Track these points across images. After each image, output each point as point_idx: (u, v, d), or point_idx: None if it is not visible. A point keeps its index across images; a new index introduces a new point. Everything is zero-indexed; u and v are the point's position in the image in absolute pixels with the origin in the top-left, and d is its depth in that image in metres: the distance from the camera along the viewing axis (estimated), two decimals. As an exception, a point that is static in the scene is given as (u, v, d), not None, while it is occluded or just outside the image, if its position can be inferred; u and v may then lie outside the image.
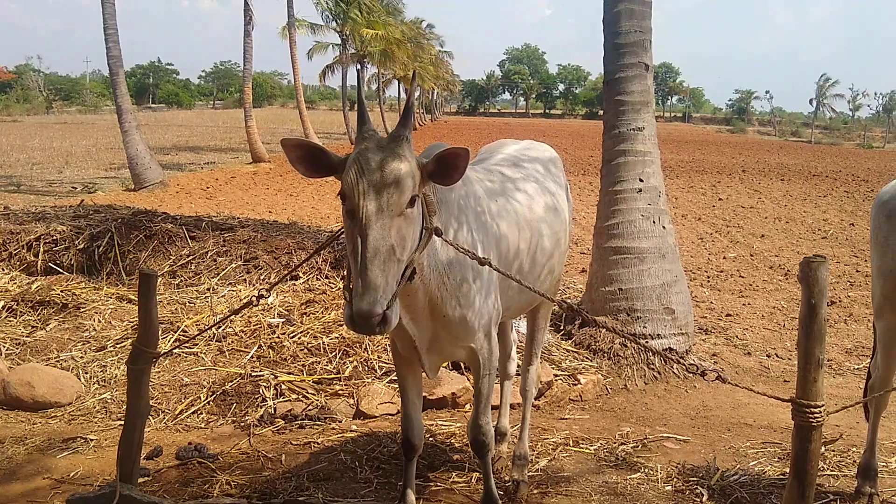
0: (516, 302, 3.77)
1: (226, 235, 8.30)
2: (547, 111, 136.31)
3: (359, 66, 50.99)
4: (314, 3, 40.73)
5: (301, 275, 7.73)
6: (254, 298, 3.33)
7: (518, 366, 4.69)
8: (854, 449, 4.92)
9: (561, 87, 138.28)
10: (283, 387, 5.56)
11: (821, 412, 2.75)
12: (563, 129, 73.64)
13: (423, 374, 3.53)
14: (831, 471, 4.64)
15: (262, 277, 7.72)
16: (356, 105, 2.78)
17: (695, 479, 4.34)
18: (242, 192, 19.90)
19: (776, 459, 4.75)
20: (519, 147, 4.28)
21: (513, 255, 3.51)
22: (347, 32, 44.04)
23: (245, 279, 7.64)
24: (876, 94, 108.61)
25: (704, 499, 4.09)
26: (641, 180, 6.79)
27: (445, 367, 5.90)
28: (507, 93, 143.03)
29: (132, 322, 6.40)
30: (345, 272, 3.18)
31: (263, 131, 30.12)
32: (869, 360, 4.42)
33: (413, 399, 3.58)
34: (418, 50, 60.58)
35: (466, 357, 3.48)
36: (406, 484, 3.64)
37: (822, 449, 4.89)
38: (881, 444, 5.07)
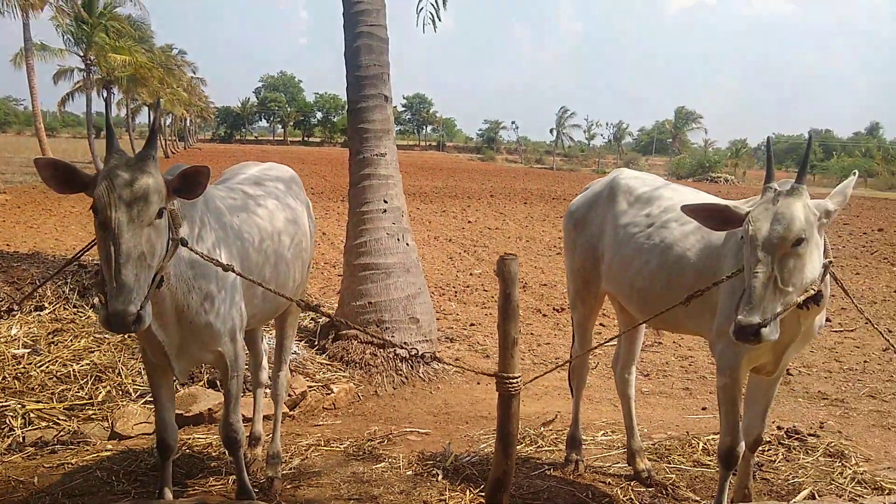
0: (261, 310, 4.11)
1: (-41, 267, 7.86)
2: (305, 139, 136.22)
3: (105, 93, 48.50)
4: (54, 25, 38.17)
5: (47, 305, 7.52)
6: (14, 306, 3.43)
7: (269, 374, 4.99)
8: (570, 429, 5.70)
9: (319, 114, 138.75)
10: (32, 415, 5.46)
11: (517, 382, 3.36)
12: (322, 156, 74.08)
13: (175, 382, 3.76)
14: (549, 447, 5.37)
15: (3, 309, 7.41)
16: (105, 128, 3.03)
17: (432, 462, 4.88)
18: (-26, 224, 18.38)
19: (503, 442, 5.42)
20: (261, 168, 4.65)
21: (255, 264, 3.86)
22: (92, 57, 41.77)
23: (-16, 312, 7.29)
24: (607, 123, 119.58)
25: (440, 478, 4.63)
26: (386, 201, 7.36)
27: (200, 385, 6.08)
28: (263, 120, 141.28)
29: None
30: (98, 280, 3.36)
31: (-3, 160, 27.77)
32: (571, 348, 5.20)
33: (165, 403, 3.80)
34: (169, 76, 58.59)
35: (214, 361, 3.75)
36: (163, 482, 3.84)
37: (542, 429, 5.67)
38: (593, 422, 5.95)
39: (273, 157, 54.56)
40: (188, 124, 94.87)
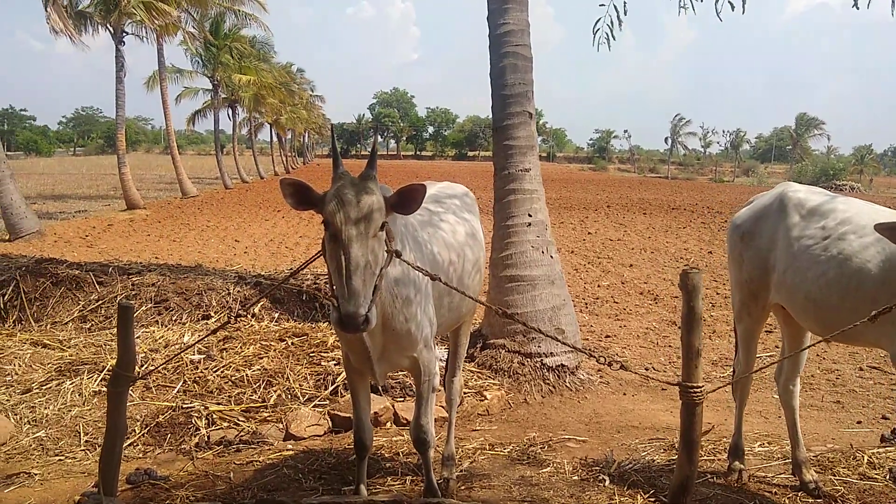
0: (446, 318, 4.38)
1: (134, 279, 8.52)
2: (418, 153, 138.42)
3: (230, 111, 50.92)
4: (183, 49, 40.38)
5: (212, 314, 8.07)
6: (232, 318, 3.83)
7: (441, 379, 5.27)
8: (724, 439, 5.73)
9: (430, 129, 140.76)
10: (214, 416, 5.92)
11: (701, 391, 3.48)
12: (435, 169, 75.12)
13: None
14: (707, 456, 5.42)
15: (173, 318, 8.00)
16: (330, 150, 3.35)
17: (597, 468, 5.03)
18: (123, 239, 19.66)
19: (662, 450, 5.51)
20: (439, 186, 4.97)
21: (444, 274, 4.12)
22: (218, 78, 44.00)
23: (157, 321, 7.91)
24: (724, 131, 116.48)
25: (607, 483, 4.77)
26: (530, 215, 7.56)
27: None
28: (377, 135, 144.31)
29: (54, 365, 6.60)
30: (328, 286, 3.66)
31: (132, 177, 29.34)
32: (734, 359, 5.27)
33: (363, 405, 4.11)
34: (290, 94, 60.81)
35: (410, 366, 4.02)
36: (359, 480, 4.15)
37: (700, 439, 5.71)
38: (745, 434, 5.94)
39: (388, 170, 55.81)
40: (306, 141, 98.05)
